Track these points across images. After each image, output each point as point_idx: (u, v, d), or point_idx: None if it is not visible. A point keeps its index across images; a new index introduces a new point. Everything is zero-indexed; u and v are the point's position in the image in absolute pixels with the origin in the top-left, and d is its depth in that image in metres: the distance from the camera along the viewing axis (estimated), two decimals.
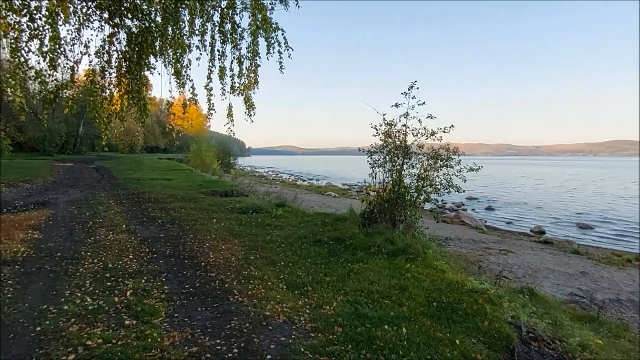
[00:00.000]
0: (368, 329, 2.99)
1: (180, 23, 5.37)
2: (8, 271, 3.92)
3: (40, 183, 12.13)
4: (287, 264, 4.65)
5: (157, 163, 26.59)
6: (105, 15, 5.42)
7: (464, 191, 6.57)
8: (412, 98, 6.30)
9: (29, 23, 4.34)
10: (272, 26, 5.41)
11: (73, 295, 3.38)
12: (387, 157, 6.70)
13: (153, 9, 5.61)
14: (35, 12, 4.33)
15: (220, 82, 5.79)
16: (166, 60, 5.69)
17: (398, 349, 2.71)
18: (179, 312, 3.20)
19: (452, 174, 6.29)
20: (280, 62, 5.58)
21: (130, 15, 5.57)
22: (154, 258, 4.70)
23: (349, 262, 4.76)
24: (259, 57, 5.65)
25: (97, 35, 5.49)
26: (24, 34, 4.37)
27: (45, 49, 4.48)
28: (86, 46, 5.41)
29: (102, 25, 5.49)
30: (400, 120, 6.57)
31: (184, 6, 5.24)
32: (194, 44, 5.68)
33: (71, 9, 4.96)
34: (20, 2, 4.24)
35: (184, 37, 5.49)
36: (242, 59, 5.73)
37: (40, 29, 4.42)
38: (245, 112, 5.95)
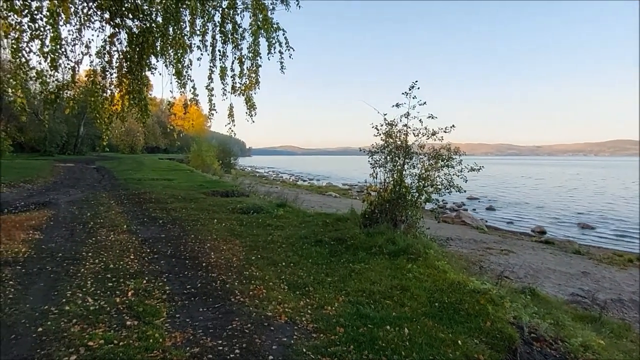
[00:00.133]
0: (370, 329, 2.98)
1: (181, 23, 5.37)
2: (9, 272, 3.92)
3: (41, 183, 12.14)
4: (288, 264, 4.65)
5: (158, 163, 26.60)
6: (106, 15, 5.42)
7: (465, 191, 6.56)
8: (413, 98, 6.30)
9: (30, 23, 4.34)
10: (273, 26, 5.41)
11: (74, 296, 3.37)
12: (388, 157, 6.69)
13: (154, 9, 5.61)
14: (36, 12, 4.34)
15: (222, 82, 5.79)
16: (167, 60, 5.69)
17: (400, 350, 2.70)
18: (180, 312, 3.20)
19: (453, 174, 6.28)
20: (281, 62, 5.59)
21: (131, 16, 5.57)
22: (155, 258, 4.70)
23: (350, 263, 4.76)
24: (260, 57, 5.65)
25: (98, 36, 5.50)
26: (25, 34, 4.37)
27: (46, 50, 4.48)
28: (87, 46, 5.41)
29: (103, 26, 5.49)
30: (401, 120, 6.57)
31: (184, 6, 5.24)
32: (195, 44, 5.68)
33: (72, 10, 4.96)
34: (22, 3, 4.24)
35: (185, 38, 5.49)
36: (243, 59, 5.72)
37: (42, 29, 4.42)
38: (246, 113, 5.94)
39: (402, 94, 6.36)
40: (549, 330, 3.33)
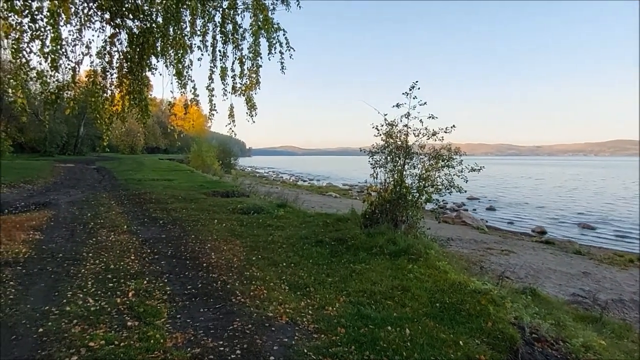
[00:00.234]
0: (371, 330, 2.98)
1: (182, 23, 5.36)
2: (10, 272, 3.92)
3: (41, 184, 12.14)
4: (289, 265, 4.64)
5: (158, 164, 26.61)
6: (107, 15, 5.42)
7: (465, 191, 6.56)
8: (414, 98, 6.30)
9: (30, 24, 4.33)
10: (274, 26, 5.40)
11: (75, 297, 3.37)
12: (389, 157, 6.69)
13: (154, 10, 5.61)
14: (36, 12, 4.33)
15: (222, 82, 5.78)
16: (167, 60, 5.68)
17: (402, 350, 2.70)
18: (181, 313, 3.19)
19: (454, 174, 6.28)
20: (282, 63, 5.58)
21: (131, 16, 5.56)
22: (155, 259, 4.70)
23: (351, 263, 4.75)
24: (261, 58, 5.64)
25: (98, 36, 5.48)
26: (25, 34, 4.37)
27: (46, 50, 4.47)
28: (87, 47, 5.40)
29: (103, 26, 5.48)
30: (401, 121, 6.57)
31: (185, 7, 5.24)
32: (195, 44, 5.67)
33: (72, 10, 4.96)
34: (22, 3, 4.24)
35: (186, 38, 5.48)
36: (244, 60, 5.71)
37: (42, 29, 4.41)
38: (246, 113, 5.94)
39: (403, 94, 6.37)
40: (550, 331, 3.32)
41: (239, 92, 5.87)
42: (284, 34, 5.51)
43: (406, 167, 6.56)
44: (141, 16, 5.54)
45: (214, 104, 5.85)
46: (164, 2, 5.25)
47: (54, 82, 4.96)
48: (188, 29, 5.52)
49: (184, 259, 4.73)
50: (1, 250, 4.58)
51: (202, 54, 5.72)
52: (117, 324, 2.89)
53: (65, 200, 8.94)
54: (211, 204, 9.05)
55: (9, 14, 4.18)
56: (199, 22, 5.57)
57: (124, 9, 5.44)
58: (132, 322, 2.93)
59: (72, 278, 3.85)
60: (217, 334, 2.84)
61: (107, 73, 5.77)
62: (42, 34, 4.42)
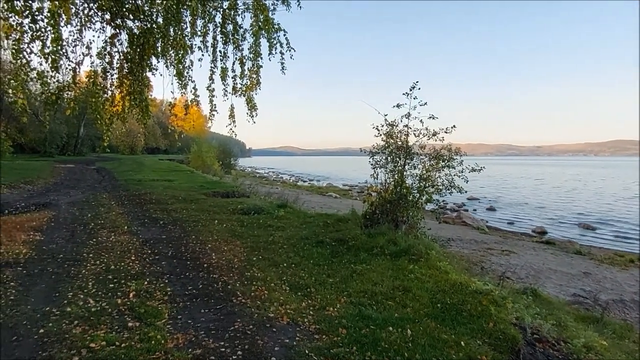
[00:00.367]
0: (372, 330, 2.97)
1: (182, 24, 5.36)
2: (10, 273, 3.92)
3: (41, 184, 12.13)
4: (289, 265, 4.64)
5: (158, 164, 26.60)
6: (107, 16, 5.41)
7: (465, 192, 6.56)
8: (414, 99, 6.30)
9: (31, 24, 4.33)
10: (274, 27, 5.40)
11: (76, 297, 3.37)
12: (389, 157, 6.69)
13: (155, 10, 5.60)
14: (37, 13, 4.32)
15: (222, 83, 5.78)
16: (168, 61, 5.68)
17: (403, 351, 2.70)
18: (182, 314, 3.19)
19: (454, 175, 6.28)
20: (282, 63, 5.58)
21: (131, 16, 5.56)
22: (156, 259, 4.69)
23: (351, 263, 4.75)
24: (261, 58, 5.65)
25: (98, 37, 5.48)
26: (26, 35, 4.36)
27: (47, 51, 4.47)
28: (88, 47, 5.40)
29: (103, 27, 5.48)
30: (402, 121, 6.57)
31: (185, 7, 5.23)
32: (195, 45, 5.67)
33: (73, 11, 4.96)
34: (23, 4, 4.23)
35: (186, 38, 5.48)
36: (244, 60, 5.72)
37: (42, 30, 4.41)
38: (247, 113, 5.94)
39: (403, 94, 6.37)
40: (552, 331, 3.32)
41: (239, 93, 5.87)
42: (284, 34, 5.52)
43: (406, 167, 6.55)
44: (141, 17, 5.54)
45: (215, 105, 5.85)
46: (165, 2, 5.25)
47: (54, 82, 4.95)
48: (188, 29, 5.52)
49: (185, 260, 4.72)
50: (2, 251, 4.58)
51: (202, 55, 5.73)
52: (118, 325, 2.88)
53: (65, 200, 8.93)
54: (211, 204, 9.05)
55: (10, 15, 4.18)
56: (199, 22, 5.58)
57: (124, 9, 5.44)
58: (133, 323, 2.93)
59: (73, 279, 3.85)
60: (218, 335, 2.84)
61: (108, 73, 5.77)
62: (42, 34, 4.42)
